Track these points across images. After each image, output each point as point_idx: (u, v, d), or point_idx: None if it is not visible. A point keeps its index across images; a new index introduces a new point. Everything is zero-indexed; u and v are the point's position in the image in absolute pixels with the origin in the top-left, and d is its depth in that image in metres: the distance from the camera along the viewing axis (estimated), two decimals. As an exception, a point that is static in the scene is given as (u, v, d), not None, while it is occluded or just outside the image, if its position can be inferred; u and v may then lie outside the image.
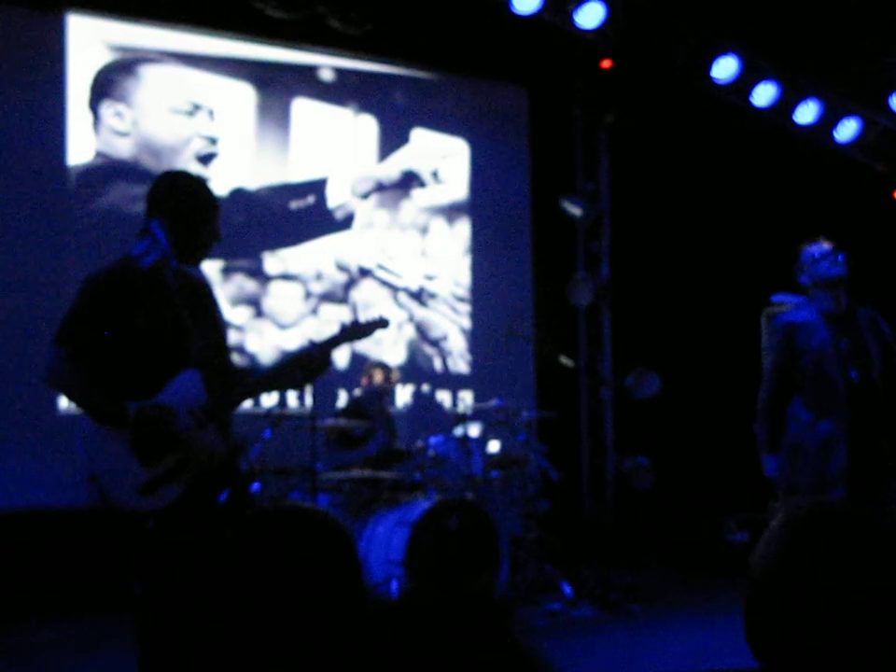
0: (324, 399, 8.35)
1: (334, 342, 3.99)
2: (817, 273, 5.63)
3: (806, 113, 9.56)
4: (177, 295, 3.79)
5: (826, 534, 1.63)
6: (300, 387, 4.21)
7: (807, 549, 1.62)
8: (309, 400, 8.14)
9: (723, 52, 9.02)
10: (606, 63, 9.83)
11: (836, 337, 5.50)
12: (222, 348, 4.10)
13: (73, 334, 3.72)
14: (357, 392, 8.33)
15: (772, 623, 1.62)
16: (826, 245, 5.69)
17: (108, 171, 8.40)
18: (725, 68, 9.04)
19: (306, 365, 3.89)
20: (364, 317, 4.14)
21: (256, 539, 1.57)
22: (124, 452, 3.63)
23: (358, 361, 8.68)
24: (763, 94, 9.27)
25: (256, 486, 7.16)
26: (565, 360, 8.86)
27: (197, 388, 3.73)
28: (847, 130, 9.82)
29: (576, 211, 10.14)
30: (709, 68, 9.04)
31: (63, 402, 7.93)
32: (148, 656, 3.61)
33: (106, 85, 8.42)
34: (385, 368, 8.27)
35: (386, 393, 8.37)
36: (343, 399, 8.90)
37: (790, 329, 5.62)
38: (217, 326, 4.11)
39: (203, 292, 4.09)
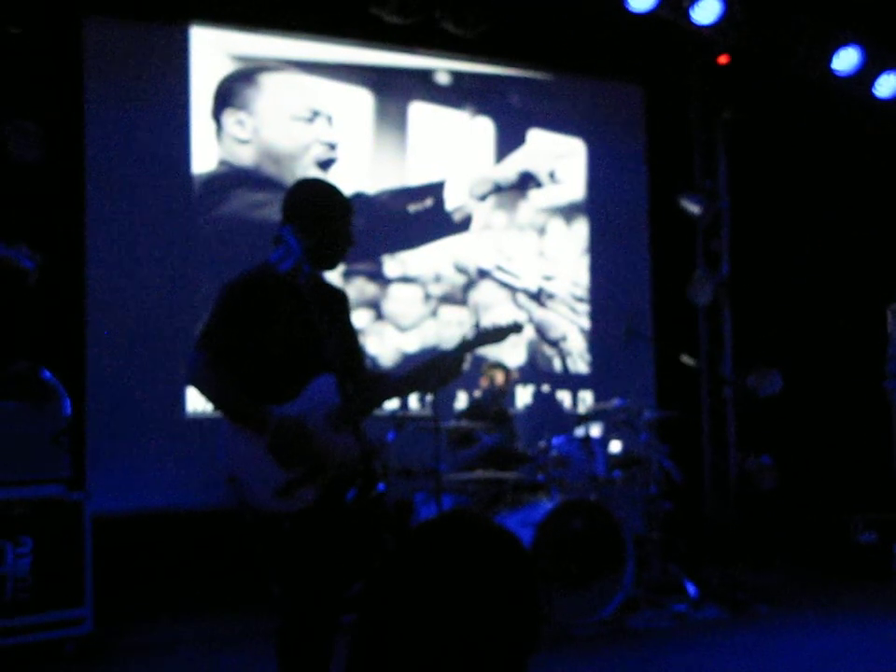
0: (443, 400, 8.42)
1: (469, 346, 4.00)
2: None
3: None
4: (311, 300, 3.84)
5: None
6: (433, 391, 4.24)
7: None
8: (429, 402, 8.20)
9: (844, 44, 8.86)
10: (722, 59, 9.73)
11: None
12: (355, 353, 4.17)
13: (214, 339, 3.80)
14: (477, 394, 8.36)
15: None
16: None
17: (231, 178, 8.56)
18: (846, 60, 8.88)
19: (441, 369, 3.92)
20: (498, 322, 4.14)
21: (440, 552, 1.57)
22: (262, 455, 3.70)
23: (477, 363, 8.72)
24: (887, 85, 9.09)
25: (381, 487, 7.23)
26: (686, 359, 8.80)
27: (332, 392, 3.78)
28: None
29: (694, 209, 10.05)
30: (830, 60, 8.89)
31: (190, 405, 8.11)
32: (288, 658, 3.68)
33: (228, 94, 8.59)
34: (503, 369, 8.29)
35: (505, 394, 8.38)
36: (461, 400, 8.94)
37: None
38: (350, 331, 4.18)
39: (335, 298, 4.16)
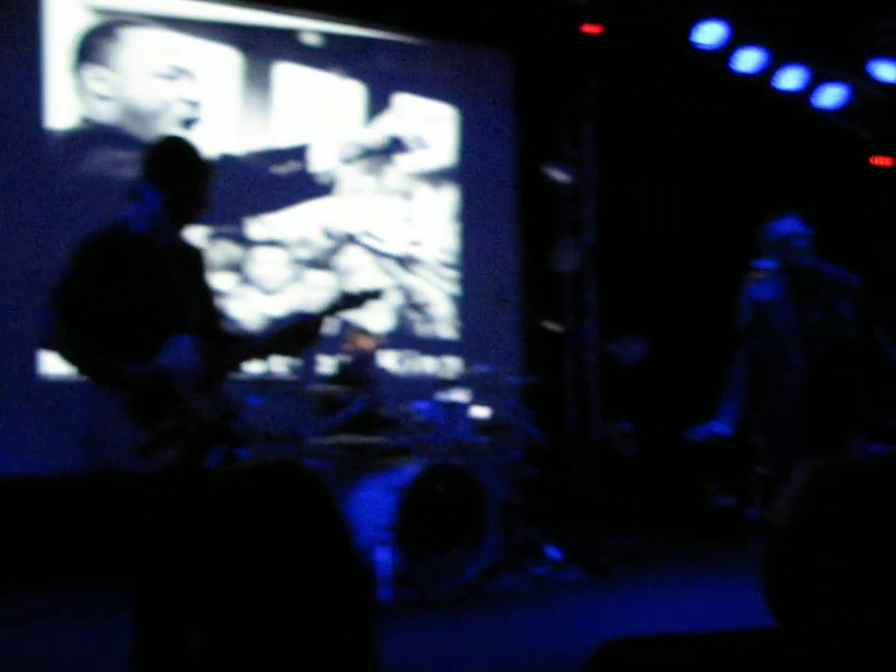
0: (308, 365, 8.37)
1: (329, 311, 3.99)
2: (783, 256, 5.70)
3: (790, 79, 9.56)
4: (171, 260, 3.77)
5: (848, 490, 1.63)
6: (293, 355, 4.22)
7: (828, 505, 1.62)
8: (293, 367, 8.13)
9: (709, 17, 9.00)
10: (590, 28, 9.78)
11: (802, 312, 5.57)
12: (215, 314, 4.11)
13: (66, 298, 3.71)
14: (343, 358, 8.32)
15: (792, 580, 1.62)
16: (793, 224, 5.73)
17: (92, 135, 8.34)
18: (711, 33, 9.03)
19: (301, 334, 3.90)
20: (359, 287, 4.14)
21: (237, 498, 1.55)
22: (122, 415, 3.62)
23: (343, 328, 8.66)
24: (748, 60, 9.27)
25: (244, 452, 7.15)
26: (550, 325, 8.89)
27: (193, 353, 3.73)
28: (830, 96, 9.83)
29: (560, 177, 10.11)
30: (693, 33, 9.03)
31: (43, 368, 7.89)
32: (142, 621, 3.61)
33: (88, 49, 8.35)
34: (367, 333, 8.25)
35: (371, 359, 8.35)
36: (326, 365, 8.88)
37: (757, 307, 5.72)
38: (209, 292, 4.11)
39: (193, 256, 4.09)
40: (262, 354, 4.23)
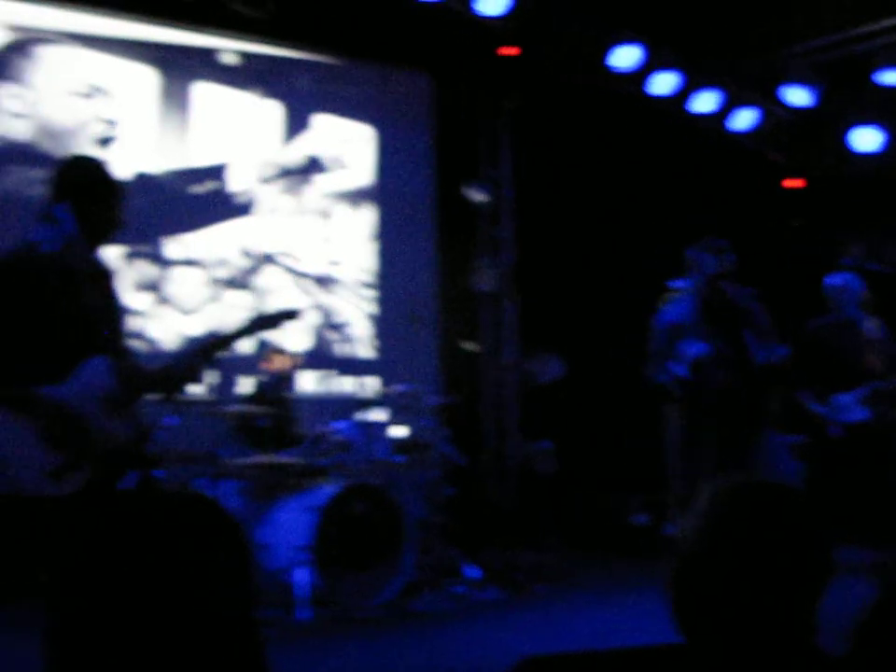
0: (225, 385, 8.31)
1: (243, 332, 3.99)
2: (703, 271, 5.84)
3: (704, 102, 9.73)
4: (84, 281, 3.75)
5: (753, 507, 1.67)
6: (200, 379, 4.21)
7: (735, 521, 1.66)
8: (210, 386, 8.08)
9: (624, 41, 9.13)
10: (506, 50, 9.87)
11: (712, 337, 5.72)
12: (122, 335, 4.08)
13: None
14: (261, 378, 8.28)
15: (699, 597, 1.65)
16: (712, 245, 5.87)
17: (6, 154, 8.23)
18: (626, 56, 9.15)
19: (209, 356, 3.90)
20: (274, 308, 4.15)
21: (143, 527, 1.55)
22: (31, 438, 3.58)
23: (260, 347, 8.62)
24: (662, 83, 9.41)
25: (159, 473, 7.08)
26: (467, 345, 8.93)
27: (105, 375, 3.71)
28: (743, 119, 10.02)
29: (478, 197, 10.17)
30: (610, 56, 9.15)
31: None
32: (53, 646, 3.56)
33: (2, 66, 8.24)
34: (284, 353, 8.22)
35: (288, 379, 8.32)
36: (244, 385, 8.82)
37: (668, 331, 5.86)
38: (118, 313, 4.09)
39: (104, 276, 4.07)
40: (176, 379, 4.17)
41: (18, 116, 8.28)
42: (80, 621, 1.51)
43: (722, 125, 10.00)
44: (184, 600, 1.48)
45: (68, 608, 1.53)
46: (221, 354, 3.94)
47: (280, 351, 8.19)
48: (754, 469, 5.62)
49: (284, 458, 7.37)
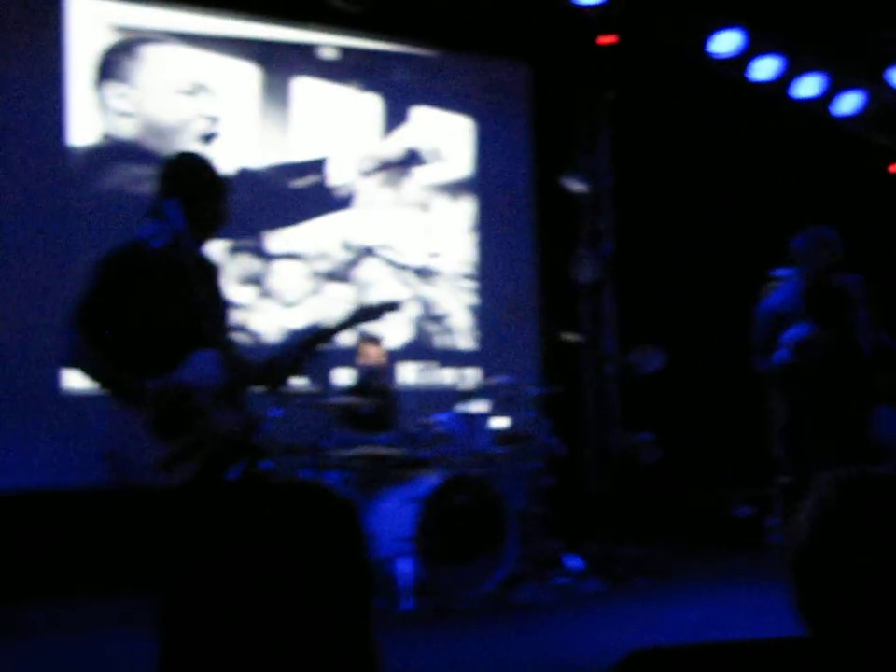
0: (326, 377, 8.39)
1: (346, 324, 4.02)
2: (810, 264, 5.75)
3: (808, 86, 9.57)
4: (191, 275, 3.81)
5: (873, 497, 1.64)
6: (303, 371, 4.25)
7: (849, 515, 1.63)
8: (312, 378, 8.15)
9: (725, 26, 9.01)
10: (605, 39, 9.81)
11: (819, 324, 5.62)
12: (228, 329, 4.15)
13: (88, 317, 3.76)
14: (357, 370, 8.32)
15: (821, 591, 1.63)
16: (819, 236, 5.78)
17: (113, 152, 8.40)
18: (727, 42, 9.04)
19: (313, 348, 3.94)
20: (376, 300, 4.17)
21: (259, 516, 1.57)
22: (142, 429, 3.66)
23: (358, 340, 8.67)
24: (764, 68, 9.27)
25: (267, 464, 7.18)
26: (568, 336, 8.90)
27: (214, 367, 3.76)
28: (848, 103, 9.83)
29: (577, 188, 10.13)
30: (710, 42, 9.04)
31: (66, 382, 7.94)
32: (168, 635, 3.64)
33: (109, 66, 8.41)
34: (377, 342, 8.25)
35: (383, 370, 8.35)
36: (344, 377, 8.87)
37: (772, 319, 5.77)
38: (224, 307, 4.15)
39: (211, 271, 4.13)
40: (284, 372, 4.23)
41: (124, 114, 8.44)
42: (195, 610, 1.53)
43: (826, 110, 9.82)
44: (301, 588, 1.49)
45: (183, 597, 1.55)
46: (324, 346, 3.98)
47: (372, 339, 8.22)
48: (865, 449, 5.51)
49: (386, 450, 7.43)
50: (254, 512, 1.56)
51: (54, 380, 7.93)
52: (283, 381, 4.25)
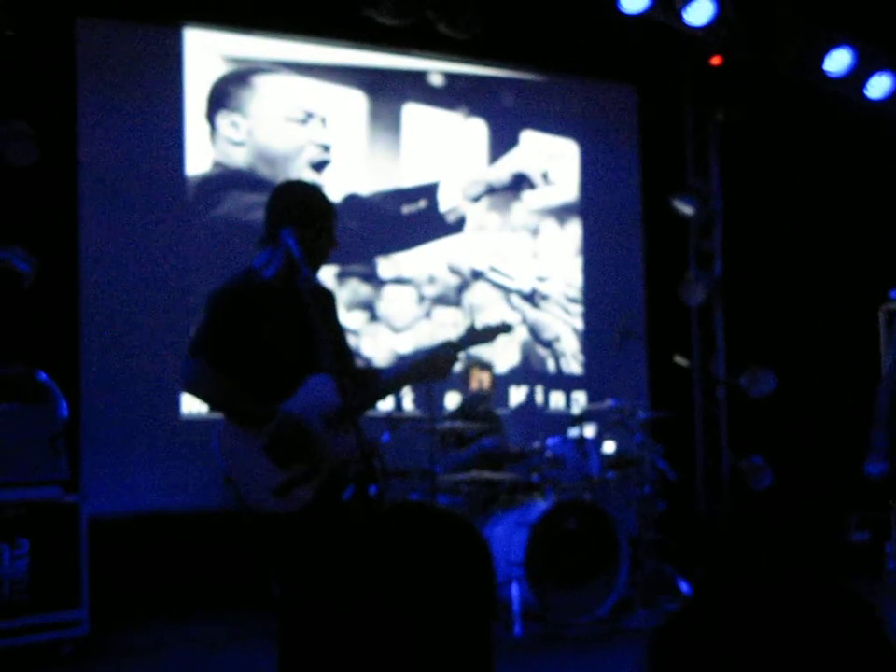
0: (433, 401, 8.43)
1: (460, 345, 4.03)
2: None
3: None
4: (306, 302, 3.86)
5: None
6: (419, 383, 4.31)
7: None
8: (423, 403, 8.19)
9: (836, 45, 8.89)
10: (715, 60, 9.75)
11: None
12: (348, 353, 4.20)
13: (206, 345, 3.84)
14: (462, 395, 8.34)
15: None
16: None
17: (225, 180, 8.57)
18: (838, 61, 8.91)
19: (432, 368, 3.96)
20: (488, 322, 4.17)
21: (384, 538, 1.58)
22: (258, 455, 3.72)
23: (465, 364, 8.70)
24: (878, 86, 9.12)
25: (372, 489, 7.22)
26: (679, 360, 8.83)
27: (329, 393, 3.80)
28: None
29: (687, 210, 10.07)
30: (822, 62, 8.92)
31: (185, 407, 8.12)
32: (288, 658, 3.70)
33: (222, 96, 8.60)
34: (488, 368, 8.26)
35: (490, 394, 8.34)
36: (451, 400, 8.91)
37: None
38: (341, 330, 4.21)
39: (325, 298, 4.19)
40: (395, 389, 4.31)
41: (236, 143, 8.61)
42: (315, 635, 1.55)
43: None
44: (425, 610, 1.51)
45: (302, 620, 1.57)
46: (445, 367, 4.00)
47: (485, 368, 8.24)
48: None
49: (497, 475, 7.44)
50: (379, 535, 1.58)
51: (175, 405, 8.12)
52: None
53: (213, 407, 4.06)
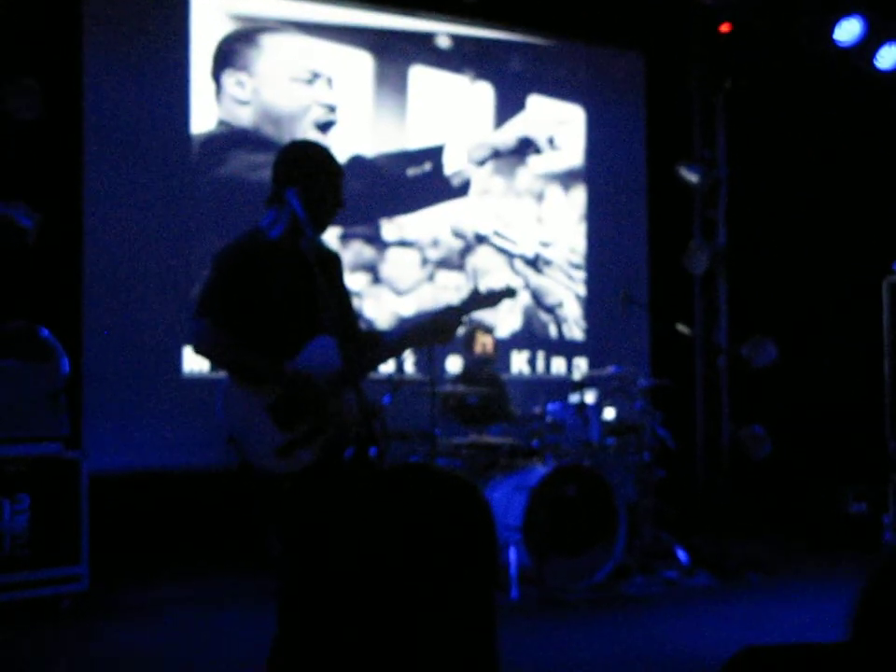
0: (435, 364, 8.44)
1: (463, 309, 4.03)
2: None
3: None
4: (311, 263, 3.85)
5: None
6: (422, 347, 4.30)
7: None
8: (424, 366, 8.20)
9: (846, 14, 8.83)
10: (724, 28, 9.69)
11: None
12: (351, 314, 4.20)
13: (213, 305, 3.83)
14: (465, 359, 8.35)
15: None
16: None
17: (230, 139, 8.54)
18: (848, 30, 8.85)
19: (436, 330, 3.96)
20: (492, 286, 4.16)
21: (385, 499, 1.58)
22: (262, 415, 3.73)
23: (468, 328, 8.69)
24: (888, 57, 9.06)
25: (372, 450, 7.23)
26: (681, 328, 8.82)
27: (332, 354, 3.80)
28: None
29: (693, 178, 10.03)
30: (831, 31, 8.86)
31: (187, 365, 8.13)
32: (288, 617, 3.71)
33: (228, 55, 8.55)
34: (490, 332, 8.27)
35: (493, 358, 8.36)
36: (453, 364, 8.92)
37: None
38: (345, 292, 4.21)
39: (331, 260, 4.18)
40: (399, 351, 4.31)
41: (242, 102, 8.57)
42: (314, 594, 1.55)
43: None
44: (426, 572, 1.50)
45: (304, 579, 1.56)
46: (449, 331, 4.00)
47: (488, 332, 8.25)
48: None
49: (496, 438, 7.46)
50: (381, 495, 1.57)
51: (177, 363, 8.13)
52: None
53: (220, 366, 4.06)
